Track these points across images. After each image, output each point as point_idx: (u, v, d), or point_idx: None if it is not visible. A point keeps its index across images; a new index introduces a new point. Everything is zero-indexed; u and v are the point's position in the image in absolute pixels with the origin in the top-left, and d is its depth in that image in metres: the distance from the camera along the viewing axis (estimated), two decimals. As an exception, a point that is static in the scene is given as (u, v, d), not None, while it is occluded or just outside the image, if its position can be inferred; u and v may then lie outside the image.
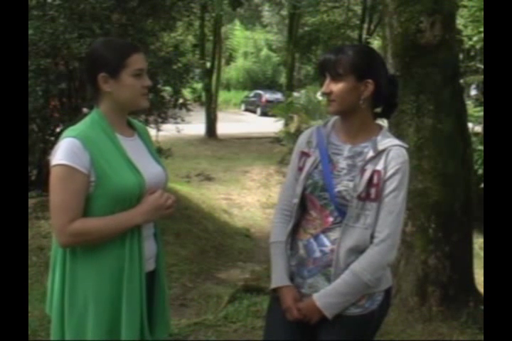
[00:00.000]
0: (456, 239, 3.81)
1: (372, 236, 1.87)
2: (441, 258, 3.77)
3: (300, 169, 2.00)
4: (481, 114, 7.17)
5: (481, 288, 3.79)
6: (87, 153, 1.80)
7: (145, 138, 2.06)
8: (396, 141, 1.92)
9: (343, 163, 1.92)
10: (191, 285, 4.93)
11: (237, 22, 35.45)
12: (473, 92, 9.97)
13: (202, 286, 4.94)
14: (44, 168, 6.58)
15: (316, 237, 1.94)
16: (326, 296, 1.87)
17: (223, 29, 22.27)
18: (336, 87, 1.88)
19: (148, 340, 1.94)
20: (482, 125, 7.23)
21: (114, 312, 1.87)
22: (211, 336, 3.61)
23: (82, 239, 1.83)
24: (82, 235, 1.82)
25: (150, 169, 1.96)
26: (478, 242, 4.71)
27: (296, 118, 12.26)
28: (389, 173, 1.86)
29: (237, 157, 13.79)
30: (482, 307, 3.62)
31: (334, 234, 1.90)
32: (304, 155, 2.01)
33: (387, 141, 1.90)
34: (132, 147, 1.95)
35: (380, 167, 1.86)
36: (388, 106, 2.00)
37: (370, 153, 1.88)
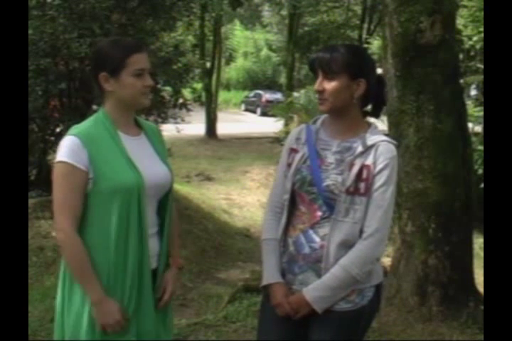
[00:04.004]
0: (456, 239, 3.80)
1: (361, 231, 1.88)
2: (441, 258, 3.77)
3: (289, 165, 2.01)
4: (481, 114, 7.16)
5: (481, 288, 3.79)
6: (86, 151, 1.83)
7: (153, 139, 2.05)
8: (384, 137, 1.95)
9: (331, 158, 1.94)
10: (191, 285, 4.93)
11: (237, 22, 35.40)
12: (473, 92, 9.95)
13: (202, 286, 4.94)
14: (44, 167, 6.58)
15: (305, 233, 1.95)
16: (315, 290, 1.89)
17: (223, 29, 22.26)
18: (329, 85, 1.89)
19: (162, 339, 1.96)
20: (482, 125, 7.23)
21: None
22: (211, 336, 3.61)
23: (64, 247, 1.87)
24: (64, 245, 1.85)
25: (152, 169, 1.95)
26: (478, 242, 4.70)
27: (296, 118, 12.24)
28: (378, 168, 1.88)
29: (237, 157, 13.76)
30: (482, 307, 3.62)
31: (324, 230, 1.91)
32: (293, 151, 2.03)
33: (375, 137, 1.92)
34: (136, 146, 1.95)
35: (369, 161, 1.88)
36: (377, 104, 2.02)
37: (359, 148, 1.90)
